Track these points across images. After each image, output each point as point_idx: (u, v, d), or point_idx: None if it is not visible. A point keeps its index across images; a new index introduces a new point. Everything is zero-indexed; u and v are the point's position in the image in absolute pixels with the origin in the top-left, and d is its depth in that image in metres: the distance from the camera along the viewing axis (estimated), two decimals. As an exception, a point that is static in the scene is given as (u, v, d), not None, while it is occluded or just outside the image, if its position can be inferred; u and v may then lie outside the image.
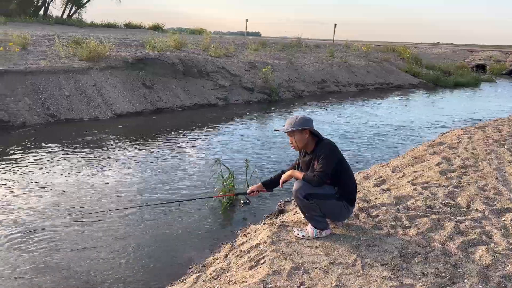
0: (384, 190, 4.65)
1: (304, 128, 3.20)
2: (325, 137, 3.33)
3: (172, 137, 8.16)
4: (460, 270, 2.74)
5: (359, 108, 12.99)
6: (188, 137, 8.23)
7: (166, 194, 5.18)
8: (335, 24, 32.41)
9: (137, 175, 5.85)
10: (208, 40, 16.33)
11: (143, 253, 3.74)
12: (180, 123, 9.54)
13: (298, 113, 3.37)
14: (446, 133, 8.46)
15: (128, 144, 7.45)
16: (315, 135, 3.28)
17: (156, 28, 27.62)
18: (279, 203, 4.94)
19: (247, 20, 31.39)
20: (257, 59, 15.75)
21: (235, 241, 3.65)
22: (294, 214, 3.96)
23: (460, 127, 9.41)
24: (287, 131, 3.24)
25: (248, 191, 3.64)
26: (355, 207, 3.81)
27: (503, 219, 3.61)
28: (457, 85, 20.53)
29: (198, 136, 8.37)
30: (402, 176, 5.26)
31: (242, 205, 3.96)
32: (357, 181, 5.25)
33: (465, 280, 2.60)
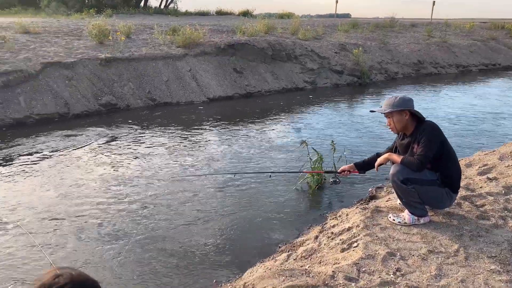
0: (490, 178, 4.25)
1: (404, 108, 3.03)
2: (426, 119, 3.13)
3: (261, 120, 8.32)
4: None
5: (460, 91, 11.93)
6: (276, 120, 8.32)
7: (256, 173, 5.32)
8: (434, 2, 29.90)
9: (230, 152, 6.09)
10: (296, 23, 16.17)
11: (236, 229, 3.90)
12: (268, 106, 9.68)
13: (397, 94, 3.19)
14: None
15: (221, 126, 7.77)
16: (416, 117, 3.09)
17: (246, 14, 28.11)
18: (370, 189, 4.79)
19: (337, 1, 30.40)
20: (347, 40, 15.23)
21: (326, 223, 3.63)
22: (387, 201, 3.81)
23: None
24: (385, 112, 3.10)
25: (339, 170, 3.58)
26: (457, 195, 3.55)
27: None
28: None
29: (285, 119, 8.42)
30: (512, 165, 4.75)
31: (332, 183, 3.93)
32: (459, 169, 4.92)
33: None
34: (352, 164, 3.55)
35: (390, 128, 3.17)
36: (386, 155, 3.17)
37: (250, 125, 7.89)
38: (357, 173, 3.54)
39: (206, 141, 6.80)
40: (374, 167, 3.32)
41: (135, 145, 6.50)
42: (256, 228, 3.97)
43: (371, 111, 3.37)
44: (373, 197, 4.55)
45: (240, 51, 11.90)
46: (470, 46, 18.05)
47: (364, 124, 7.89)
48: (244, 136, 7.11)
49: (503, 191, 3.69)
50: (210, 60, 11.30)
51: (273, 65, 12.29)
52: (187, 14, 28.11)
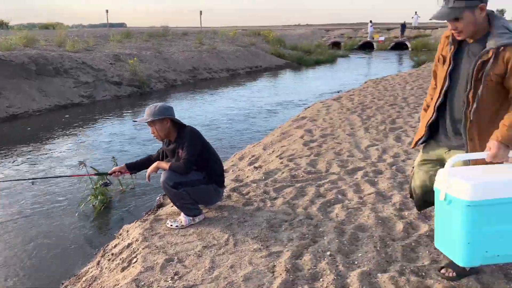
0: (256, 167, 4.87)
1: (164, 117, 3.15)
2: (188, 124, 3.33)
3: (27, 147, 7.31)
4: (320, 229, 3.01)
5: (232, 92, 13.30)
6: (46, 144, 7.46)
7: (30, 202, 4.64)
8: (201, 11, 32.44)
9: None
10: (62, 34, 14.89)
11: (7, 271, 3.30)
12: (38, 129, 8.59)
13: (157, 103, 3.29)
14: (308, 107, 9.17)
15: (-25, 160, 6.45)
16: (177, 123, 3.25)
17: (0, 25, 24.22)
18: (158, 198, 4.82)
19: (107, 11, 29.47)
20: (121, 51, 14.93)
21: (107, 245, 3.46)
22: (172, 206, 3.90)
23: (320, 100, 10.28)
24: (147, 121, 3.15)
25: (110, 171, 3.49)
26: (227, 188, 3.92)
27: (355, 177, 4.08)
28: (318, 63, 22.38)
29: (58, 141, 7.65)
30: (272, 152, 5.56)
31: (102, 186, 3.84)
32: (232, 163, 5.46)
33: (325, 237, 2.88)
34: (123, 165, 3.51)
35: (154, 136, 3.25)
36: (154, 164, 3.24)
37: (17, 152, 6.83)
38: (129, 174, 3.57)
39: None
40: (147, 166, 3.37)
41: None
42: (33, 265, 3.45)
43: (134, 121, 3.37)
44: (161, 206, 4.58)
45: (-7, 68, 10.16)
46: (235, 52, 20.30)
47: (141, 134, 7.87)
48: (15, 164, 6.11)
49: (263, 177, 4.27)
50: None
51: (40, 81, 10.98)
52: None
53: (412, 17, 35.56)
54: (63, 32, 15.75)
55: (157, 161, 3.27)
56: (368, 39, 34.33)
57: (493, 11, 2.08)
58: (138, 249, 2.91)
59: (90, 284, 2.80)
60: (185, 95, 12.74)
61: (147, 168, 3.40)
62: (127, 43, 17.21)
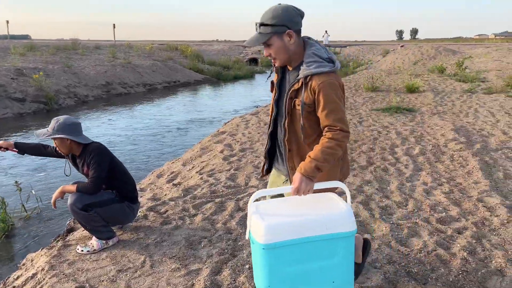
0: (175, 184, 4.77)
1: (64, 136, 2.93)
2: (98, 141, 3.16)
3: None
4: (240, 243, 3.03)
5: (148, 107, 12.95)
6: None
7: None
8: (114, 24, 31.27)
9: None
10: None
11: None
12: None
13: (60, 116, 3.06)
14: (228, 122, 9.25)
15: None
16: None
17: None
18: (68, 222, 4.48)
19: (7, 21, 27.09)
20: (24, 64, 13.79)
21: (8, 277, 3.12)
22: (83, 231, 3.64)
23: (240, 115, 10.44)
24: (43, 137, 2.93)
25: None
26: (143, 207, 3.78)
27: (272, 190, 4.18)
28: (236, 78, 22.77)
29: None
30: (192, 168, 5.50)
31: None
32: (150, 181, 5.29)
33: (244, 251, 2.90)
34: (12, 142, 3.18)
35: (58, 150, 3.06)
36: (60, 189, 3.00)
37: None
38: (16, 152, 3.20)
39: None
40: (37, 153, 3.19)
41: None
42: None
43: (37, 137, 3.08)
44: (71, 230, 4.25)
45: None
46: (152, 66, 19.85)
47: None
48: None
49: (182, 194, 4.19)
50: None
51: None
52: None
53: (323, 36, 37.84)
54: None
55: (62, 186, 3.03)
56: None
57: (309, 38, 2.04)
58: (44, 279, 2.66)
59: (-14, 324, 2.49)
60: (96, 111, 12.10)
61: (36, 153, 3.20)
62: (31, 56, 15.95)
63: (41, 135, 2.94)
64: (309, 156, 1.90)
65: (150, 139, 8.51)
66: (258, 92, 17.41)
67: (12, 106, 11.29)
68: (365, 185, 4.24)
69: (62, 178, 5.87)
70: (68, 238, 3.58)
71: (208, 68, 24.03)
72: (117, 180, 3.10)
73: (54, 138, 2.93)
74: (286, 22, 1.91)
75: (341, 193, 2.17)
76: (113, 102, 13.98)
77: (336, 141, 1.88)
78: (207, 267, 2.67)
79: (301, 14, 1.97)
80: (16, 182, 4.77)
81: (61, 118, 2.98)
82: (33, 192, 5.01)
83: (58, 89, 13.12)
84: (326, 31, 36.69)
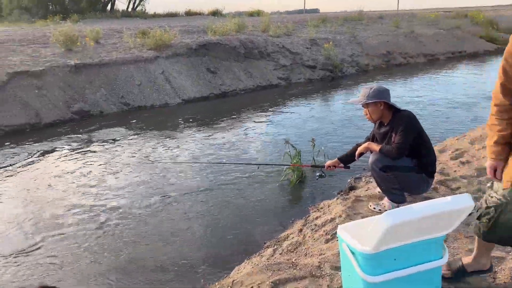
0: (463, 162, 4.41)
1: (378, 100, 3.10)
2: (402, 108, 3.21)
3: (238, 119, 8.33)
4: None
5: (430, 79, 12.27)
6: (253, 117, 8.35)
7: (237, 172, 5.33)
8: (399, -7, 30.58)
9: (206, 152, 6.07)
10: (266, 20, 16.24)
11: (220, 227, 3.90)
12: (245, 104, 9.70)
13: (373, 84, 3.25)
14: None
15: (196, 126, 7.74)
16: (392, 106, 3.17)
17: (215, 13, 28.01)
18: (349, 180, 4.88)
19: (305, -3, 30.70)
20: (317, 35, 15.41)
21: (308, 216, 3.68)
22: (366, 190, 3.90)
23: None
24: (360, 103, 3.17)
25: (325, 165, 3.63)
26: (434, 180, 3.66)
27: None
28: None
29: (263, 116, 8.45)
30: (482, 148, 4.94)
31: (318, 178, 4.01)
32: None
33: None
34: (336, 159, 3.59)
35: (367, 118, 3.25)
36: (365, 145, 3.24)
37: (228, 123, 7.89)
38: (343, 168, 3.58)
39: (185, 141, 6.77)
40: (355, 157, 3.39)
41: (110, 151, 6.39)
42: (240, 225, 3.98)
43: (348, 102, 3.44)
44: (352, 188, 4.63)
45: (212, 51, 11.87)
46: (436, 35, 18.55)
47: (340, 116, 8.00)
48: (223, 134, 7.11)
49: (476, 173, 3.83)
50: (182, 62, 11.22)
51: (246, 63, 12.31)
52: (155, 16, 27.77)
53: None
54: (267, 18, 17.16)
55: (368, 142, 3.27)
56: None
57: None
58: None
59: (295, 247, 3.04)
60: (376, 81, 12.37)
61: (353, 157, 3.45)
62: (323, 28, 17.64)
63: (357, 102, 3.20)
64: None
65: (429, 112, 8.11)
66: None
67: (305, 73, 12.93)
68: None
69: (352, 139, 6.37)
70: (355, 193, 3.89)
71: (503, 36, 20.50)
72: (420, 151, 3.09)
73: (368, 105, 3.14)
74: None
75: None
76: (392, 71, 13.97)
77: None
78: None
79: None
80: (312, 139, 5.50)
81: (373, 86, 3.16)
82: (323, 149, 5.64)
83: (343, 58, 14.10)
84: None
